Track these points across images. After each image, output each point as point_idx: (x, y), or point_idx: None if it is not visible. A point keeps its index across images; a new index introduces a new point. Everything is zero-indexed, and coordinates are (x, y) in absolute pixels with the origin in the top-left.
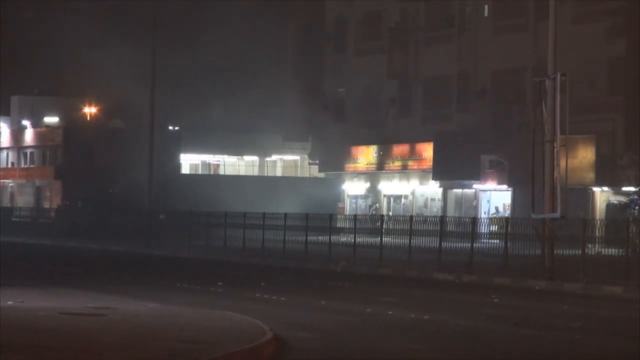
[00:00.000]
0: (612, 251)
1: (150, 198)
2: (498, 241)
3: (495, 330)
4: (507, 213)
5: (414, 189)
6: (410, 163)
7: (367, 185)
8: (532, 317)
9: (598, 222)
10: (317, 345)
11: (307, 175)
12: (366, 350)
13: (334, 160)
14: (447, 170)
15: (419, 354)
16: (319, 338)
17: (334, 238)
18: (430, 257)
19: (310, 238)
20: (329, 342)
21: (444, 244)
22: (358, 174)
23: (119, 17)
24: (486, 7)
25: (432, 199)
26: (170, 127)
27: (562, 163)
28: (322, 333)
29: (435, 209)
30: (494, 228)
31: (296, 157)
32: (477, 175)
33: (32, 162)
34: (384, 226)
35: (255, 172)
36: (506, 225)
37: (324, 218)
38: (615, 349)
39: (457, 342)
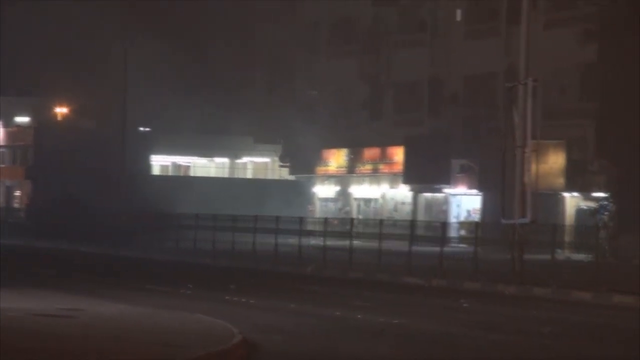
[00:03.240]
0: (581, 256)
1: (120, 199)
2: (466, 245)
3: (464, 334)
4: (477, 217)
5: (385, 193)
6: (380, 166)
7: (338, 188)
8: (501, 321)
9: (568, 227)
10: (286, 349)
11: (277, 177)
12: (335, 354)
13: (305, 163)
14: (417, 174)
15: (389, 358)
16: (289, 341)
17: (304, 241)
18: (400, 261)
19: (281, 240)
20: (298, 346)
21: (414, 248)
22: (329, 177)
23: (92, 18)
24: (458, 11)
25: (403, 203)
26: (141, 128)
27: (533, 168)
28: (291, 336)
29: (405, 213)
30: (463, 232)
31: (267, 160)
32: (447, 179)
33: (2, 162)
34: (354, 229)
35: (226, 174)
36: (476, 230)
37: (294, 221)
38: (584, 354)
39: (427, 347)
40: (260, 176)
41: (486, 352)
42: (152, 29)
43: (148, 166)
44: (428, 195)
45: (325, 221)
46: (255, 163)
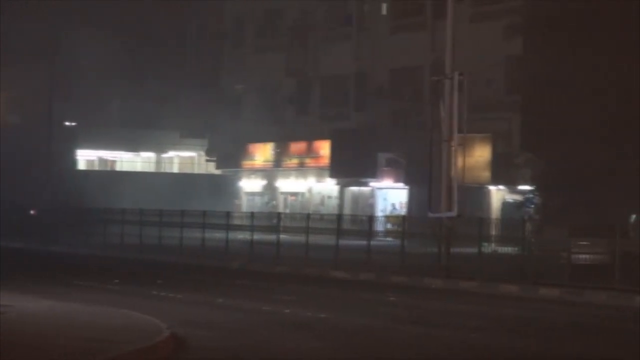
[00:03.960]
0: (508, 249)
1: (46, 194)
2: (393, 239)
3: (391, 328)
4: (404, 211)
5: (311, 187)
6: (307, 161)
7: (264, 182)
8: (428, 315)
9: (494, 220)
10: (215, 344)
11: (204, 172)
12: (264, 348)
13: (231, 157)
14: (344, 168)
15: (316, 352)
16: (217, 336)
17: (231, 235)
18: (327, 255)
19: (207, 235)
20: (226, 341)
21: (340, 242)
22: (255, 171)
23: (19, 11)
24: (384, 5)
25: (329, 197)
26: (67, 123)
27: (459, 162)
28: (219, 331)
29: (332, 207)
30: (390, 226)
31: (193, 154)
32: (374, 173)
33: None
34: (280, 224)
35: (152, 169)
36: (403, 224)
37: (220, 215)
38: (510, 347)
39: (354, 341)
40: (187, 171)
41: (413, 346)
42: (81, 22)
43: (74, 161)
44: (355, 189)
45: (252, 215)
46: (181, 157)
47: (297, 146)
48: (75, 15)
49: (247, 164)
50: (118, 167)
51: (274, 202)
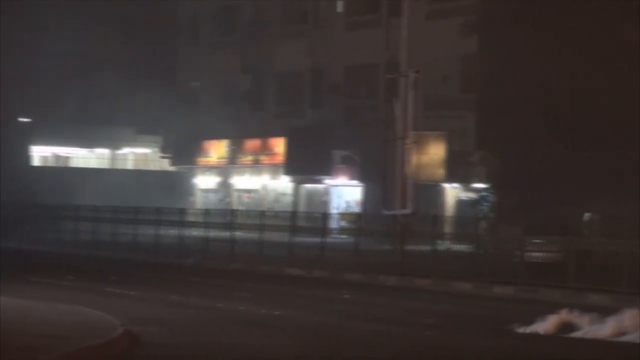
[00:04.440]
0: (462, 247)
1: None
2: (346, 236)
3: (346, 326)
4: (358, 208)
5: (266, 184)
6: (262, 158)
7: (219, 179)
8: (382, 312)
9: (448, 218)
10: (169, 341)
11: (158, 168)
12: (218, 345)
13: (186, 154)
14: (298, 165)
15: (271, 349)
16: (171, 333)
17: (186, 232)
18: (281, 252)
19: (162, 232)
20: (181, 338)
21: (295, 239)
22: (210, 168)
23: None
24: (339, 3)
25: (284, 194)
26: (21, 119)
27: (414, 159)
28: (173, 328)
29: (286, 204)
30: (344, 223)
31: (148, 151)
32: (328, 170)
33: None
34: (235, 221)
35: (107, 165)
36: (358, 221)
37: (175, 212)
38: (465, 344)
39: (309, 338)
40: (141, 167)
41: (367, 343)
42: (34, 18)
43: (28, 157)
44: (309, 186)
45: (207, 212)
46: (136, 154)
47: (252, 143)
48: (28, 11)
49: (201, 160)
50: (72, 164)
51: (229, 199)
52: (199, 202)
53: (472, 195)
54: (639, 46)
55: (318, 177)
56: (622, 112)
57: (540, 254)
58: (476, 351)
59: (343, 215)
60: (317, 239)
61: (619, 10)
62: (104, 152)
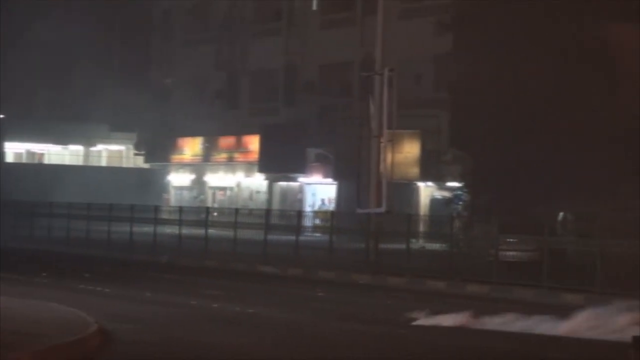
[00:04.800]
0: (436, 246)
1: None
2: (320, 234)
3: (320, 324)
4: (332, 207)
5: (240, 182)
6: (236, 155)
7: (193, 176)
8: (355, 311)
9: (422, 217)
10: (143, 338)
11: (132, 165)
12: (192, 343)
13: (160, 152)
14: (273, 163)
15: (245, 347)
16: (145, 330)
17: (160, 229)
18: (255, 250)
19: (136, 229)
20: (154, 335)
21: (269, 237)
22: (184, 166)
23: None
24: (314, 1)
25: (258, 192)
26: None
27: (388, 158)
28: (147, 325)
29: (260, 202)
30: (318, 221)
31: (122, 148)
32: (302, 168)
33: None
34: (209, 218)
35: (81, 162)
36: (331, 219)
37: (149, 209)
38: (441, 342)
39: (283, 336)
40: (116, 164)
41: (341, 341)
42: (8, 12)
43: (1, 154)
44: (283, 184)
45: (180, 210)
46: (110, 151)
47: (226, 141)
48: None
49: (175, 158)
50: (46, 160)
51: (203, 196)
52: (173, 199)
53: (446, 194)
54: (613, 46)
55: (292, 175)
56: (595, 111)
57: (515, 253)
58: (448, 349)
59: (317, 214)
60: (291, 237)
61: (593, 9)
62: (78, 149)
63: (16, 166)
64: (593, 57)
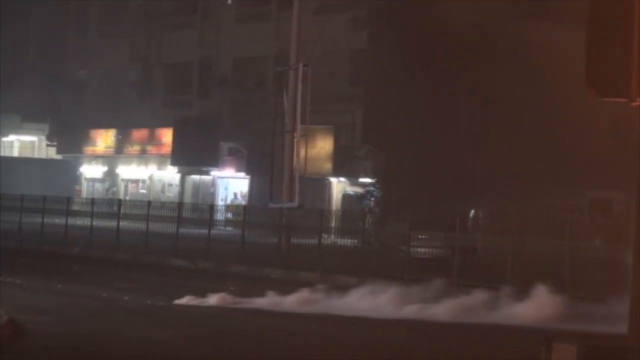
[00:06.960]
0: (347, 242)
1: None
2: (232, 228)
3: (233, 317)
4: (245, 201)
5: (152, 174)
6: (149, 148)
7: (105, 168)
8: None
9: (334, 212)
10: (53, 330)
11: (44, 156)
12: (103, 335)
13: (73, 143)
14: (185, 156)
15: (156, 339)
16: (56, 322)
17: (71, 221)
18: (167, 243)
19: (47, 221)
20: (65, 327)
21: (181, 230)
22: (96, 157)
23: None
24: None
25: (170, 185)
26: None
27: (301, 153)
28: (58, 317)
29: (172, 195)
30: (230, 215)
31: (34, 138)
32: (215, 162)
33: None
34: (121, 211)
35: None
36: (244, 213)
37: (61, 201)
38: (350, 340)
39: (195, 328)
40: (27, 155)
41: (254, 334)
42: None
43: None
44: (196, 177)
45: (92, 201)
46: (22, 142)
47: (139, 133)
48: None
49: (88, 149)
50: None
51: (115, 188)
52: (85, 191)
53: (358, 189)
54: (534, 46)
55: (205, 169)
56: (514, 108)
57: (426, 249)
58: (360, 345)
59: (229, 207)
60: (203, 231)
61: (518, 10)
62: None
63: None
64: (506, 53)
